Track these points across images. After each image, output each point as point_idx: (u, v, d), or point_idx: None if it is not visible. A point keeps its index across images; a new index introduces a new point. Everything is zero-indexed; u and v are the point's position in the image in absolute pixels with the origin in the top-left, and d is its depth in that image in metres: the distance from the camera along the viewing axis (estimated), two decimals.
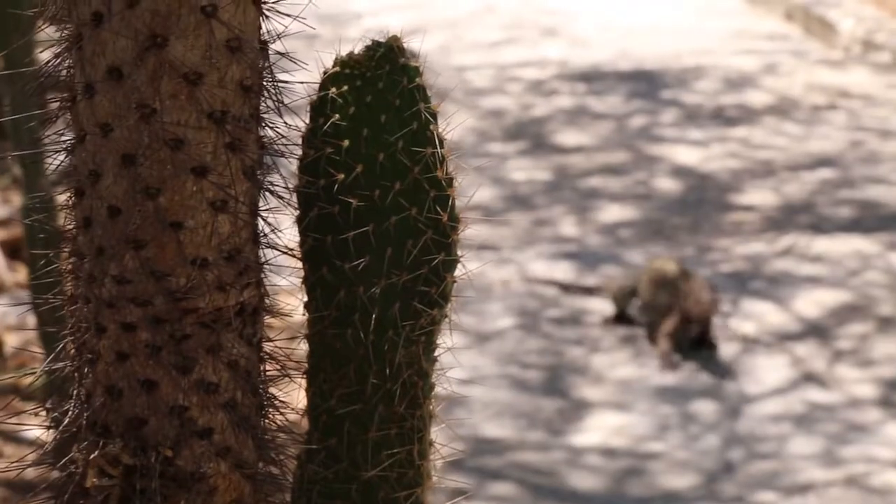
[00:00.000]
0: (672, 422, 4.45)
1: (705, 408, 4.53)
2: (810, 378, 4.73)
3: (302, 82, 1.31)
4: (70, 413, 1.28)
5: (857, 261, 5.57)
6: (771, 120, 7.08)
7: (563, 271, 5.55)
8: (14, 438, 4.15)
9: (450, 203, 1.32)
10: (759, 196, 6.21)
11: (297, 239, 1.34)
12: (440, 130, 1.31)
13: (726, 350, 4.92)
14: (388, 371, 1.33)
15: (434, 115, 1.31)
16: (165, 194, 1.23)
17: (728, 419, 4.52)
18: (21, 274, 4.99)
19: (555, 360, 4.89)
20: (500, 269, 5.54)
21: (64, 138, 1.27)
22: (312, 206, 1.35)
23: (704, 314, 4.59)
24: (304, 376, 1.38)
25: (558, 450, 4.38)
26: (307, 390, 1.39)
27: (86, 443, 1.26)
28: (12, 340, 4.63)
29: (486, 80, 7.74)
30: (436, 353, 1.36)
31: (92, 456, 1.25)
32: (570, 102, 7.43)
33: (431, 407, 1.35)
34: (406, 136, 1.31)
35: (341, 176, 1.32)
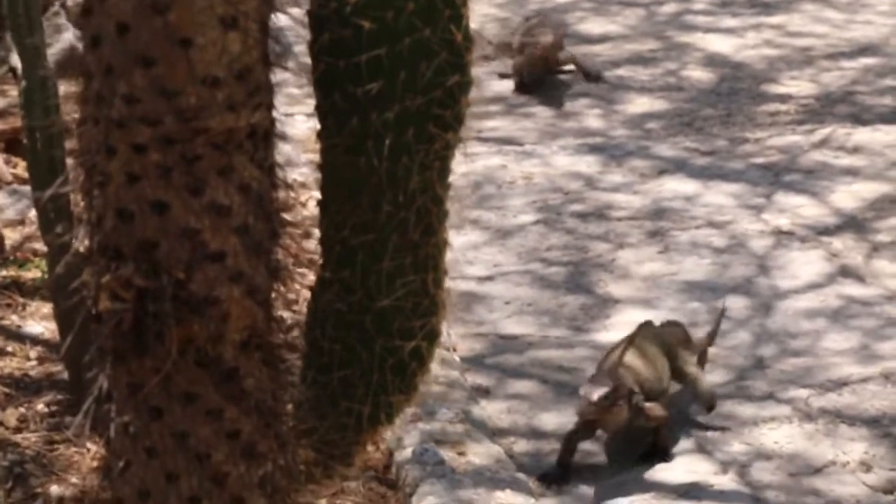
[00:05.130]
0: (701, 318, 4.50)
1: (736, 303, 4.58)
2: (846, 272, 4.78)
3: None
4: (81, 237, 1.33)
5: None
6: (810, 5, 7.06)
7: (588, 165, 5.58)
8: (17, 335, 4.23)
9: (464, 22, 1.36)
10: (796, 86, 6.21)
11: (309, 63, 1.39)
12: None
13: (759, 244, 4.97)
14: (401, 198, 1.37)
15: None
16: (175, 10, 1.27)
17: (760, 315, 4.58)
18: (20, 168, 5.05)
19: (579, 256, 4.95)
20: (523, 164, 5.58)
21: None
22: (324, 30, 1.39)
23: None
24: (317, 206, 1.43)
25: (582, 346, 4.44)
26: (320, 221, 1.44)
27: (97, 267, 1.32)
28: (13, 236, 4.70)
29: None
30: (449, 180, 1.41)
31: (104, 279, 1.31)
32: None
33: (446, 234, 1.40)
34: None
35: None
